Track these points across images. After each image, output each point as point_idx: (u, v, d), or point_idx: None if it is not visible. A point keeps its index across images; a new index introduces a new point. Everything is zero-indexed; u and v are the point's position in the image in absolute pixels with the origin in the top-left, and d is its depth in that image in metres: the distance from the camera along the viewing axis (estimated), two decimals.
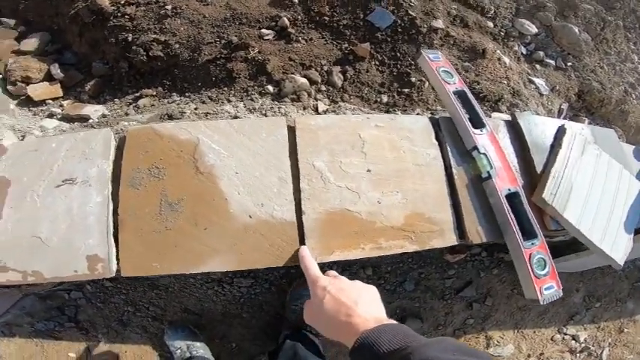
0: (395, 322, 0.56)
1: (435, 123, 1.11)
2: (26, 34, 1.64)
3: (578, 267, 1.51)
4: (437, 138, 1.09)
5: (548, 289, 0.97)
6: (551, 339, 1.65)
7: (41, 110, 1.55)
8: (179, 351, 1.25)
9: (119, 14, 1.53)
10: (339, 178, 0.97)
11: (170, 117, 1.34)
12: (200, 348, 1.27)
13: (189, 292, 1.44)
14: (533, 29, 1.65)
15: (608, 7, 1.77)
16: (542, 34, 1.68)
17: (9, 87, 1.49)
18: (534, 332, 1.65)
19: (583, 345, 1.62)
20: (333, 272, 0.70)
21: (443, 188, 1.04)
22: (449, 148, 1.08)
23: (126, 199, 0.88)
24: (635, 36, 1.82)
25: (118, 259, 0.86)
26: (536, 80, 1.52)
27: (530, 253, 0.97)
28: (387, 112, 1.47)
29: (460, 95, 1.10)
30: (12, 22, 1.67)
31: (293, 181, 0.95)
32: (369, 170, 1.00)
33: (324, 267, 1.50)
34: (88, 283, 1.39)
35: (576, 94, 1.64)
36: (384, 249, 0.95)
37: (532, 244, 0.98)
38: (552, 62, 1.67)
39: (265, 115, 1.25)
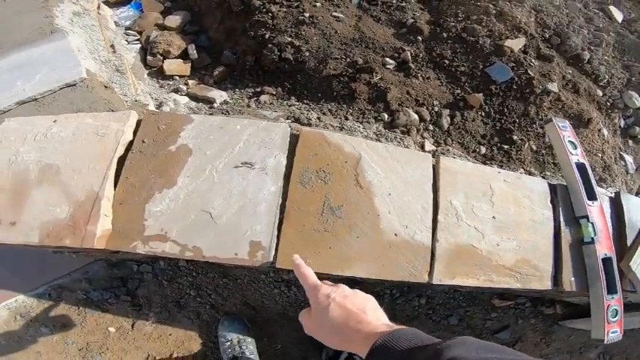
0: (406, 326, 0.56)
1: (552, 188, 1.23)
2: (170, 9, 1.76)
3: (632, 325, 1.67)
4: (552, 201, 1.21)
5: (613, 332, 1.15)
6: None
7: (167, 84, 1.66)
8: (229, 343, 1.26)
9: (264, 10, 1.65)
10: (469, 218, 1.09)
11: (297, 120, 1.45)
12: (250, 344, 1.28)
13: (256, 287, 1.48)
14: (639, 103, 1.72)
15: None
16: None
17: (148, 57, 1.61)
18: None
19: None
20: (329, 282, 0.67)
21: (549, 243, 1.17)
22: (560, 212, 1.20)
23: (294, 195, 0.98)
24: None
25: (276, 249, 0.94)
26: (626, 157, 1.62)
27: (609, 305, 1.14)
28: (484, 163, 1.58)
29: (580, 167, 1.22)
30: None
31: (433, 212, 1.06)
32: (494, 217, 1.12)
33: (390, 288, 1.57)
34: (163, 258, 1.37)
35: None
36: (494, 282, 1.07)
37: (612, 297, 1.15)
38: None
39: (391, 142, 1.37)
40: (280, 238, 0.95)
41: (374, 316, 0.58)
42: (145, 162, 0.99)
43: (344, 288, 0.62)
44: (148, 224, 0.93)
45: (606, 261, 1.16)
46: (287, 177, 1.00)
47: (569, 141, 1.24)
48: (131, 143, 1.01)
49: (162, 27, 1.69)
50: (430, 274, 1.02)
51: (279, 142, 1.02)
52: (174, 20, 1.71)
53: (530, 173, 1.56)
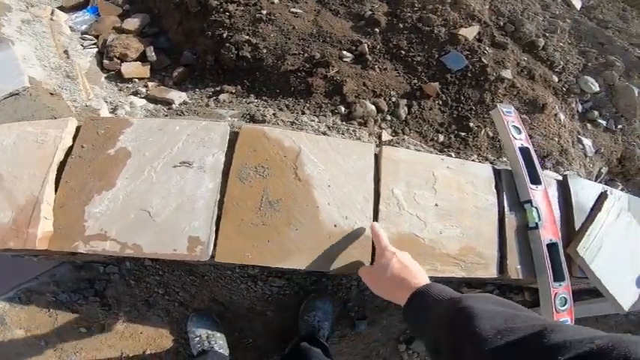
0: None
1: (497, 173, 1.25)
2: (129, 12, 1.77)
3: (589, 312, 1.68)
4: (496, 187, 1.23)
5: (563, 322, 1.13)
6: None
7: (126, 87, 1.68)
8: (198, 339, 1.29)
9: (221, 10, 1.66)
10: (411, 206, 1.10)
11: (252, 118, 1.47)
12: (219, 339, 1.31)
13: (223, 283, 1.51)
14: (596, 87, 1.73)
15: None
16: (603, 93, 1.76)
17: (105, 61, 1.62)
18: None
19: None
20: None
21: (494, 230, 1.18)
22: (505, 197, 1.22)
23: (232, 190, 1.00)
24: None
25: (215, 244, 0.97)
26: (584, 140, 1.63)
27: (556, 292, 1.14)
28: (441, 151, 1.60)
29: (524, 151, 1.23)
30: None
31: (374, 202, 1.08)
32: (436, 205, 1.13)
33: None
34: (129, 259, 1.41)
35: (618, 159, 1.73)
36: (438, 271, 1.09)
37: (559, 285, 1.14)
38: (604, 123, 1.74)
39: (343, 134, 1.38)
40: (219, 233, 0.98)
41: (422, 275, 0.76)
42: (85, 166, 1.01)
43: (405, 254, 0.82)
44: (88, 225, 0.96)
45: (552, 247, 1.16)
46: (225, 174, 1.02)
47: (513, 126, 1.25)
48: (71, 149, 1.03)
49: (120, 30, 1.70)
50: (372, 263, 1.04)
51: (219, 140, 1.04)
52: (132, 23, 1.72)
53: (486, 159, 1.58)
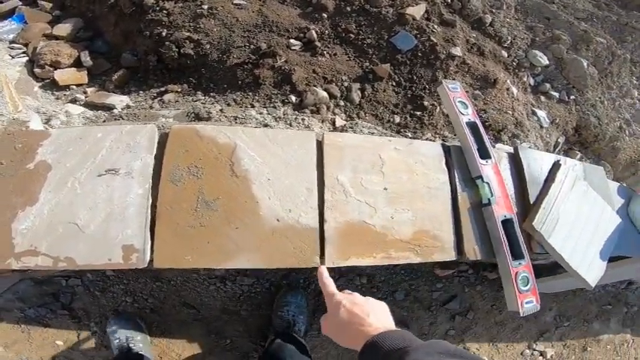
0: (400, 329, 0.66)
1: (447, 150, 1.22)
2: (60, 18, 1.67)
3: (555, 288, 1.66)
4: (447, 164, 1.20)
5: (528, 303, 1.10)
6: (521, 354, 1.78)
7: (64, 95, 1.59)
8: (117, 341, 1.27)
9: (157, 8, 1.58)
10: (359, 193, 1.07)
11: (197, 116, 1.41)
12: (140, 342, 1.29)
13: (191, 286, 1.49)
14: (545, 61, 1.74)
15: (620, 40, 1.87)
16: (552, 66, 1.77)
17: (36, 69, 1.52)
18: (507, 346, 1.78)
19: None
20: (347, 290, 0.78)
21: (448, 210, 1.15)
22: (456, 175, 1.19)
23: (165, 194, 0.95)
24: (639, 70, 1.92)
25: (152, 250, 0.93)
26: (538, 112, 1.64)
27: (517, 272, 1.10)
28: (398, 132, 1.58)
29: (472, 126, 1.21)
30: (48, 5, 1.70)
31: (318, 192, 1.04)
32: (385, 188, 1.10)
33: (331, 270, 1.59)
34: (89, 271, 1.41)
35: (574, 128, 1.74)
36: (393, 259, 1.05)
37: (519, 263, 1.11)
38: (556, 95, 1.76)
39: (290, 125, 1.34)
40: (154, 238, 0.93)
41: (376, 320, 0.67)
42: (5, 183, 0.94)
43: (356, 296, 0.73)
44: (16, 242, 0.91)
45: (507, 223, 1.13)
46: (157, 177, 0.97)
47: (460, 101, 1.22)
48: None
49: (51, 37, 1.60)
50: (322, 257, 1.00)
51: (146, 143, 0.99)
52: (63, 28, 1.62)
53: (444, 137, 1.56)
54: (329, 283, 0.79)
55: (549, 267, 1.53)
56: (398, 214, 1.09)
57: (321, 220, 1.02)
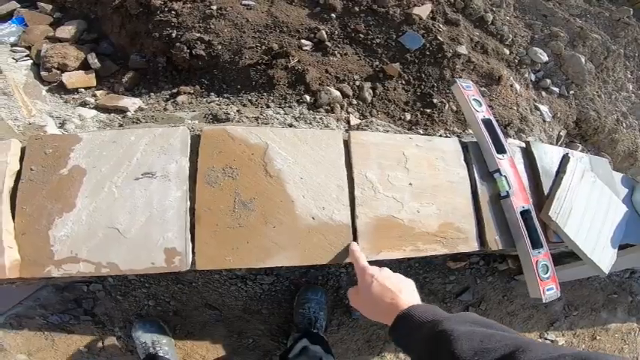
0: (429, 304, 0.70)
1: (464, 146, 1.27)
2: (61, 20, 1.63)
3: (564, 277, 1.74)
4: (465, 160, 1.25)
5: (549, 290, 1.15)
6: None
7: (73, 98, 1.56)
8: (142, 345, 1.29)
9: (166, 9, 1.56)
10: (387, 189, 1.11)
11: (215, 117, 1.41)
12: (165, 345, 1.30)
13: (213, 287, 1.50)
14: (545, 57, 1.80)
15: (614, 36, 1.96)
16: (552, 62, 1.83)
17: (42, 73, 1.49)
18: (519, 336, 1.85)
19: None
20: (376, 267, 0.81)
21: (469, 203, 1.20)
22: (474, 169, 1.24)
23: (202, 196, 0.96)
24: (633, 64, 2.00)
25: (193, 252, 0.93)
26: (541, 107, 1.71)
27: (537, 260, 1.16)
28: (410, 129, 1.62)
29: (486, 123, 1.26)
30: (48, 7, 1.65)
31: (349, 189, 1.07)
32: (410, 184, 1.14)
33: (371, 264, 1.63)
34: (112, 275, 1.41)
35: (574, 122, 1.82)
36: (421, 251, 1.10)
37: (539, 252, 1.17)
38: (557, 90, 1.82)
39: (310, 124, 1.36)
40: (195, 241, 0.94)
41: (407, 295, 0.70)
42: (38, 190, 0.93)
43: (387, 270, 0.76)
44: (55, 249, 0.90)
45: (525, 214, 1.18)
46: (193, 180, 0.97)
47: (474, 99, 1.28)
48: (19, 172, 0.95)
49: (54, 39, 1.56)
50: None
51: (179, 146, 0.99)
52: (67, 30, 1.58)
53: (453, 133, 1.61)
54: (361, 257, 0.83)
55: (556, 257, 1.60)
56: (423, 207, 1.14)
57: (353, 216, 1.05)
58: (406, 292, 0.71)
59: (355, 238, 1.04)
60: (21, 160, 0.95)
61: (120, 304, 1.40)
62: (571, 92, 1.82)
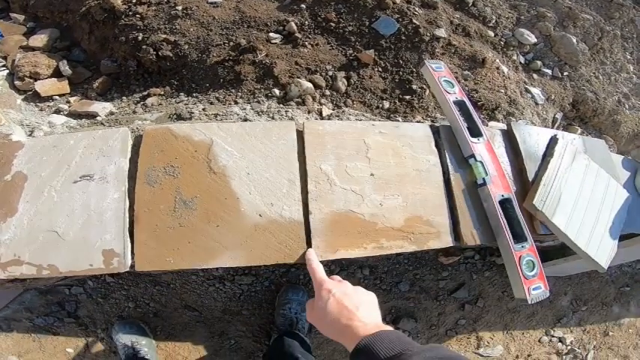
0: (392, 328, 0.61)
1: (435, 131, 1.17)
2: (35, 29, 1.66)
3: (566, 271, 1.58)
4: (436, 145, 1.15)
5: (536, 289, 1.03)
6: (539, 341, 1.71)
7: (48, 106, 1.57)
8: (123, 346, 1.27)
9: (130, 13, 1.56)
10: (344, 181, 1.03)
11: (179, 117, 1.38)
12: (145, 346, 1.29)
13: (191, 288, 1.48)
14: (533, 39, 1.70)
15: (608, 17, 1.82)
16: (541, 43, 1.73)
17: (16, 82, 1.51)
18: (523, 334, 1.71)
19: (569, 347, 1.69)
20: (337, 277, 0.74)
21: (441, 193, 1.10)
22: (447, 155, 1.14)
23: (142, 196, 0.92)
24: (632, 46, 1.86)
25: (132, 253, 0.90)
26: (532, 90, 1.58)
27: (520, 256, 1.03)
28: (389, 117, 1.53)
29: (460, 105, 1.16)
30: (21, 17, 1.69)
31: (301, 183, 1.00)
32: (372, 174, 1.06)
33: (329, 265, 1.55)
34: (90, 278, 1.42)
35: (571, 104, 1.69)
36: (384, 248, 1.01)
37: (522, 247, 1.04)
38: (549, 72, 1.72)
39: (273, 118, 1.30)
40: (134, 241, 0.90)
41: (366, 314, 0.63)
42: None
43: (346, 285, 0.69)
44: (1, 252, 0.90)
45: (505, 203, 1.06)
46: (132, 180, 0.94)
47: (445, 80, 1.17)
48: None
49: (28, 48, 1.58)
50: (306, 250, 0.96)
51: (119, 147, 0.96)
52: (39, 39, 1.60)
53: (434, 119, 1.51)
54: (318, 269, 0.74)
55: (559, 248, 1.45)
56: (387, 200, 1.05)
57: (306, 212, 0.98)
58: (364, 311, 0.64)
59: (309, 236, 0.97)
60: None
61: (101, 307, 1.41)
62: (565, 74, 1.69)
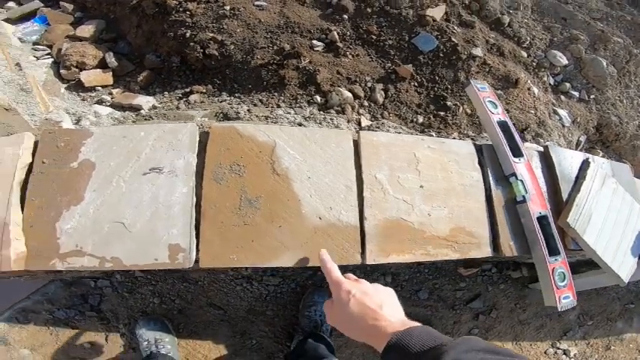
0: (418, 323, 0.60)
1: (478, 149, 1.23)
2: (82, 20, 1.67)
3: (580, 286, 1.67)
4: (479, 163, 1.21)
5: (565, 298, 1.11)
6: (545, 352, 1.78)
7: (90, 96, 1.59)
8: (145, 342, 1.28)
9: (180, 9, 1.59)
10: (396, 190, 1.08)
11: (225, 116, 1.42)
12: (168, 343, 1.29)
13: (219, 287, 1.49)
14: (564, 61, 1.76)
15: (636, 40, 1.90)
16: (572, 65, 1.78)
17: (62, 71, 1.52)
18: (531, 345, 1.78)
19: (572, 359, 1.76)
20: (352, 275, 0.72)
21: (482, 207, 1.16)
22: (489, 173, 1.20)
23: (209, 193, 0.95)
24: None
25: (197, 249, 0.92)
26: (560, 111, 1.65)
27: (554, 268, 1.11)
28: (422, 132, 1.59)
29: (502, 125, 1.22)
30: (70, 7, 1.70)
31: (357, 190, 1.04)
32: (421, 186, 1.11)
33: (354, 270, 1.58)
34: (119, 271, 1.42)
35: (595, 127, 1.76)
36: (431, 255, 1.06)
37: (555, 259, 1.12)
38: (576, 94, 1.77)
39: (320, 124, 1.34)
40: (200, 237, 0.93)
41: (390, 312, 0.62)
42: (49, 182, 0.94)
43: (364, 284, 0.67)
44: (61, 242, 0.90)
45: (542, 220, 1.14)
46: (200, 176, 0.97)
47: (489, 101, 1.24)
48: (31, 165, 0.96)
49: (74, 38, 1.60)
50: (362, 254, 1.00)
51: (187, 142, 0.99)
52: (86, 30, 1.62)
53: (467, 136, 1.57)
54: (333, 269, 0.72)
55: (573, 265, 1.53)
56: (434, 211, 1.10)
57: (361, 217, 1.03)
58: (388, 307, 0.63)
59: (363, 240, 1.01)
60: (34, 153, 0.97)
61: (126, 301, 1.41)
62: (592, 97, 1.76)
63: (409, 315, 0.65)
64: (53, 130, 0.99)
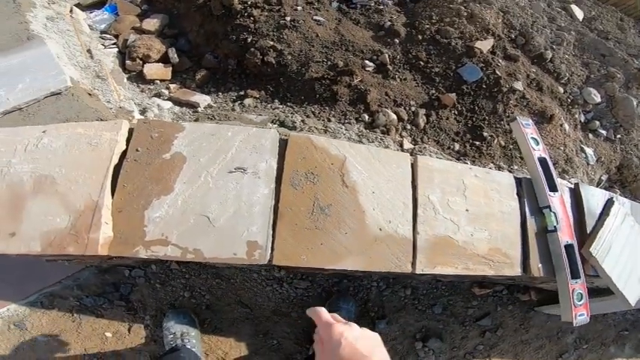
0: None
1: (518, 181, 1.36)
2: (147, 13, 1.75)
3: (598, 310, 1.82)
4: (518, 193, 1.34)
5: (580, 315, 1.27)
6: None
7: (148, 88, 1.66)
8: (171, 335, 1.28)
9: (245, 14, 1.68)
10: (446, 211, 1.19)
11: (282, 123, 1.51)
12: (193, 338, 1.30)
13: (250, 286, 1.52)
14: (598, 99, 1.82)
15: None
16: (604, 103, 1.85)
17: (127, 61, 1.60)
18: None
19: None
20: (340, 318, 0.72)
21: (517, 232, 1.30)
22: (526, 203, 1.33)
23: (286, 196, 1.05)
24: None
25: (272, 247, 1.01)
26: (587, 150, 1.74)
27: (574, 289, 1.26)
28: (458, 159, 1.70)
29: (542, 161, 1.35)
30: None
31: (412, 207, 1.15)
32: (467, 210, 1.23)
33: (377, 280, 1.66)
34: (155, 262, 1.40)
35: (616, 167, 1.84)
36: (470, 270, 1.18)
37: (576, 282, 1.27)
38: (604, 132, 1.83)
39: (372, 142, 1.45)
40: (275, 237, 1.02)
41: (381, 358, 0.63)
42: (141, 170, 1.02)
43: (355, 328, 0.67)
44: (148, 230, 0.97)
45: (568, 248, 1.29)
46: (278, 180, 1.07)
47: (532, 137, 1.37)
48: (124, 152, 1.04)
49: (140, 30, 1.68)
50: (413, 264, 1.11)
51: (270, 147, 1.09)
52: (152, 23, 1.70)
53: (499, 167, 1.69)
54: (323, 311, 0.71)
55: (598, 291, 1.68)
56: (476, 232, 1.22)
57: (414, 232, 1.14)
58: (379, 354, 0.64)
59: (414, 252, 1.12)
60: (127, 140, 1.05)
61: (156, 293, 1.42)
62: (618, 136, 1.85)
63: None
64: (148, 120, 1.07)
